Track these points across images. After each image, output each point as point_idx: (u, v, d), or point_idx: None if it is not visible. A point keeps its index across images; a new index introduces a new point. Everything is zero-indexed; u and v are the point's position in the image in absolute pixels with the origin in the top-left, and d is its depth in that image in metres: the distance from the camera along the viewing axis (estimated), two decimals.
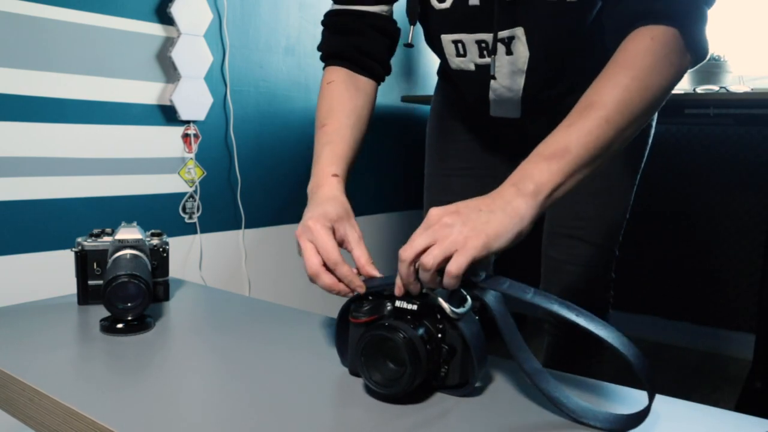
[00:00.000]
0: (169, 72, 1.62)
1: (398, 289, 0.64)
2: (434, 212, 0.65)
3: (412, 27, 0.93)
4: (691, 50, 0.76)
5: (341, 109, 0.93)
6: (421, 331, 0.62)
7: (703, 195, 2.37)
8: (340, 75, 0.95)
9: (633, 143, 1.06)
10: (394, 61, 2.36)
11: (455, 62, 1.00)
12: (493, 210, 0.64)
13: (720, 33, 2.27)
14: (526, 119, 1.06)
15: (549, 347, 1.20)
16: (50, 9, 1.39)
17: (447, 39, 0.97)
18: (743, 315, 2.33)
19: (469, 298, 0.65)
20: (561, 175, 0.67)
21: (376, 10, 0.94)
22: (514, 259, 2.78)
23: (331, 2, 0.98)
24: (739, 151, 2.28)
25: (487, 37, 0.92)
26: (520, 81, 0.97)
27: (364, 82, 0.96)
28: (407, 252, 0.62)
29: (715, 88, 1.88)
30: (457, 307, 0.63)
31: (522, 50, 0.92)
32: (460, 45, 0.96)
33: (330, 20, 0.97)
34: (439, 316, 0.64)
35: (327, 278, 0.71)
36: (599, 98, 0.70)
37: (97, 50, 1.48)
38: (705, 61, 0.82)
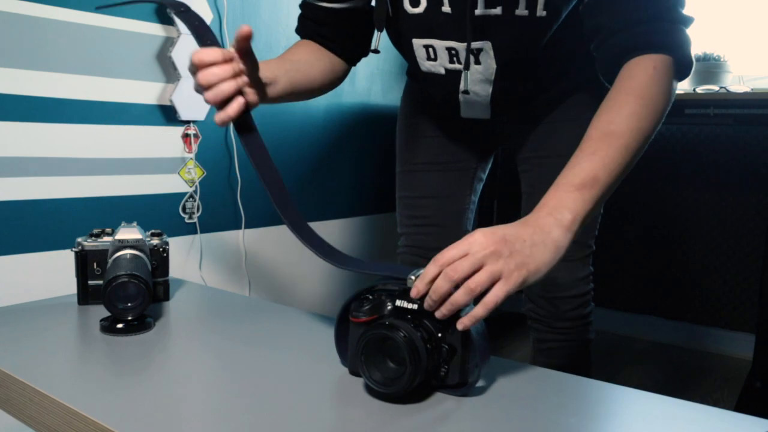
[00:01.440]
0: (169, 72, 1.62)
1: (416, 291, 0.64)
2: (480, 239, 0.64)
3: (379, 33, 0.94)
4: (682, 72, 0.83)
5: (283, 55, 0.97)
6: (421, 330, 0.62)
7: (703, 195, 2.37)
8: (302, 42, 1.00)
9: None
10: (395, 61, 2.37)
11: (425, 65, 1.01)
12: (535, 243, 0.66)
13: (720, 33, 2.27)
14: (495, 119, 1.09)
15: (535, 343, 1.21)
16: (50, 9, 1.39)
17: (418, 43, 0.98)
18: (743, 315, 2.33)
19: None
20: (593, 203, 0.71)
21: (349, 5, 0.96)
22: None
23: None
24: (739, 151, 2.28)
25: (457, 45, 0.94)
26: (488, 88, 1.00)
27: (329, 54, 1.00)
28: (449, 270, 0.62)
29: (715, 88, 1.88)
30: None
31: (490, 63, 0.95)
32: (431, 50, 0.98)
33: (305, 11, 1.01)
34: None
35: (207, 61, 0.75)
36: (617, 127, 0.75)
37: (97, 50, 1.48)
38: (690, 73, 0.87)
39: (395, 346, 0.61)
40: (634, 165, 0.78)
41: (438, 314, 0.63)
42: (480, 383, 0.68)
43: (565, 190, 0.71)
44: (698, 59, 2.04)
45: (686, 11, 0.82)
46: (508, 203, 2.75)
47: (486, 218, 2.57)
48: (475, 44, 0.92)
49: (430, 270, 0.64)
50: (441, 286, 0.62)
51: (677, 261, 2.44)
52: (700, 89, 1.88)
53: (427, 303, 0.63)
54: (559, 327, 1.15)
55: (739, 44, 2.21)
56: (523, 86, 1.01)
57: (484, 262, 0.63)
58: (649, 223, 2.48)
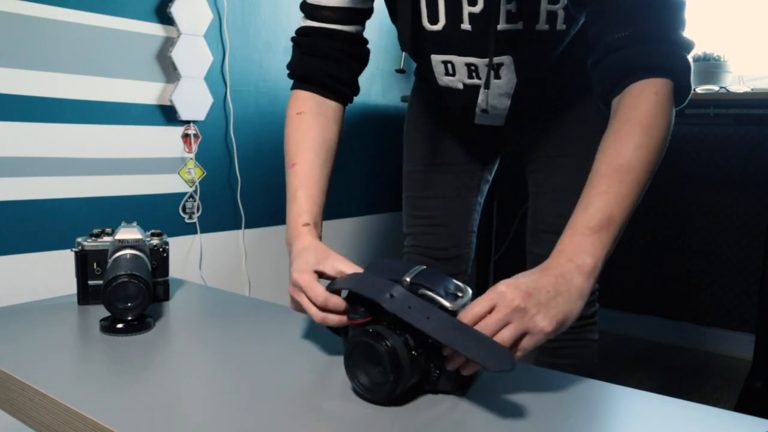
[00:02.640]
0: (169, 72, 1.62)
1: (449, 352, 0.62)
2: (506, 294, 0.63)
3: (404, 54, 0.94)
4: (680, 98, 0.81)
5: (311, 146, 0.93)
6: (408, 337, 0.62)
7: (703, 195, 2.37)
8: (308, 104, 0.97)
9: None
10: (395, 61, 2.36)
11: (443, 80, 1.02)
12: (559, 292, 0.65)
13: (720, 33, 2.27)
14: (509, 125, 1.09)
15: (535, 363, 1.21)
16: (50, 9, 1.39)
17: (437, 59, 0.98)
18: (743, 315, 2.33)
19: (468, 290, 0.66)
20: (610, 244, 0.70)
21: (347, 29, 0.95)
22: (507, 256, 2.78)
23: (302, 18, 0.98)
24: (739, 151, 2.28)
25: (476, 61, 0.94)
26: (506, 101, 1.00)
27: (333, 108, 0.98)
28: (471, 316, 0.62)
29: (715, 88, 1.88)
30: (454, 301, 0.63)
31: (510, 77, 0.95)
32: (449, 65, 0.98)
33: (301, 40, 0.98)
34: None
35: (332, 319, 0.72)
36: (626, 161, 0.73)
37: (97, 50, 1.48)
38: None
39: (378, 355, 0.60)
40: (639, 201, 0.76)
41: (463, 371, 0.62)
42: (479, 383, 0.68)
43: (582, 233, 0.70)
44: (698, 59, 2.04)
45: (687, 35, 0.80)
46: (508, 203, 2.75)
47: (486, 218, 2.57)
48: (496, 59, 0.92)
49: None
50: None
51: (677, 261, 2.44)
52: (700, 89, 1.88)
53: (454, 364, 0.62)
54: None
55: (739, 44, 2.21)
56: (540, 96, 1.01)
57: (512, 319, 0.62)
58: (649, 223, 2.48)
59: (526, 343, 0.63)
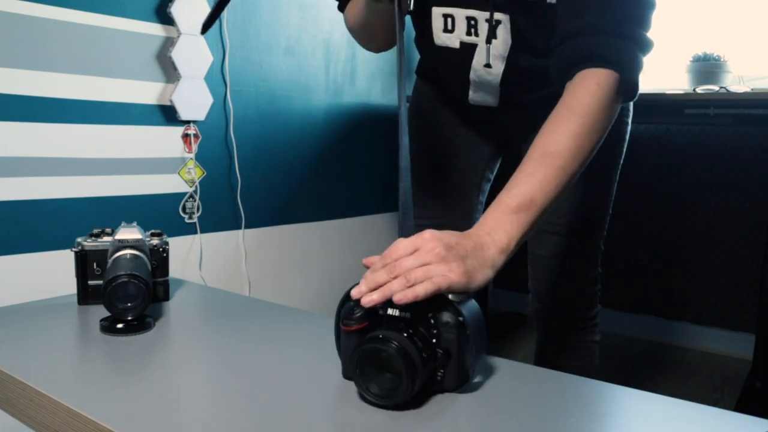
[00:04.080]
0: (169, 72, 1.62)
1: (359, 292, 0.65)
2: (431, 240, 0.67)
3: None
4: (625, 93, 0.83)
5: None
6: (415, 339, 0.61)
7: (703, 195, 2.37)
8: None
9: (610, 142, 1.10)
10: (395, 61, 2.37)
11: (441, 38, 1.01)
12: (475, 257, 0.69)
13: (720, 33, 2.27)
14: (502, 112, 1.08)
15: (540, 344, 1.21)
16: (50, 9, 1.39)
17: (438, 12, 0.98)
18: (743, 315, 2.33)
19: None
20: (528, 225, 0.74)
21: None
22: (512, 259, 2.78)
23: None
24: (739, 151, 2.28)
25: (476, 14, 0.95)
26: (500, 66, 0.99)
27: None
28: (396, 266, 0.65)
29: (715, 88, 1.88)
30: (458, 293, 0.64)
31: (505, 37, 0.95)
32: (449, 20, 0.98)
33: None
34: (432, 321, 0.63)
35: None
36: (555, 148, 0.76)
37: (97, 50, 1.48)
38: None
39: (389, 358, 0.59)
40: (573, 183, 0.78)
41: (366, 300, 0.63)
42: (480, 383, 0.68)
43: (503, 212, 0.74)
44: (698, 59, 2.04)
45: (649, 35, 0.82)
46: None
47: None
48: (495, 15, 0.93)
49: (375, 266, 0.67)
50: (381, 278, 0.65)
51: (677, 261, 2.44)
52: (700, 89, 1.88)
53: (357, 290, 0.64)
54: (566, 328, 1.14)
55: (739, 44, 2.21)
56: (530, 81, 1.00)
57: (429, 262, 0.65)
58: (649, 223, 2.48)
59: (436, 280, 0.64)
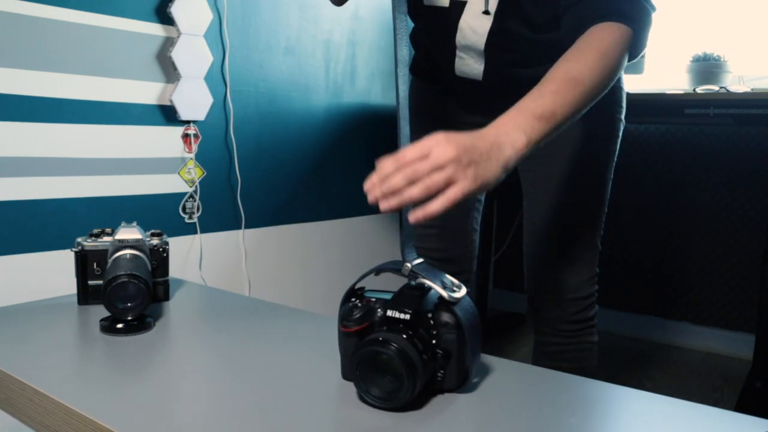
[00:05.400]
0: (169, 72, 1.62)
1: (371, 185, 0.66)
2: (443, 144, 0.67)
3: None
4: (634, 49, 0.88)
5: None
6: (415, 341, 0.61)
7: (703, 195, 2.37)
8: None
9: (604, 138, 1.09)
10: (393, 62, 2.37)
11: None
12: (490, 158, 0.71)
13: (720, 33, 2.27)
14: (490, 99, 1.08)
15: (538, 345, 1.20)
16: (50, 9, 1.39)
17: None
18: (743, 315, 2.33)
19: (463, 287, 0.66)
20: (545, 134, 0.77)
21: None
22: (507, 256, 2.77)
23: None
24: (739, 151, 2.28)
25: None
26: (486, 24, 1.00)
27: None
28: (410, 171, 0.65)
29: (715, 88, 1.88)
30: (452, 293, 0.64)
31: None
32: None
33: None
34: (432, 322, 0.63)
35: None
36: (580, 75, 0.80)
37: (97, 50, 1.48)
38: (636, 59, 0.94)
39: (389, 360, 0.59)
40: (580, 115, 0.83)
41: (384, 205, 0.65)
42: (479, 383, 0.68)
43: (525, 116, 0.76)
44: (698, 59, 2.04)
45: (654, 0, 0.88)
46: (508, 203, 2.76)
47: (486, 218, 2.57)
48: None
49: (387, 167, 0.66)
50: (397, 183, 0.65)
51: (677, 261, 2.44)
52: (700, 89, 1.88)
53: (374, 195, 0.65)
54: (565, 330, 1.14)
55: (739, 44, 2.20)
56: (521, 38, 1.00)
57: (444, 167, 0.66)
58: (649, 223, 2.48)
59: (453, 192, 0.66)
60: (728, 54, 2.02)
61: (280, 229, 1.99)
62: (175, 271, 1.62)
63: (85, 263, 0.95)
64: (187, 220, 1.71)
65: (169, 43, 1.61)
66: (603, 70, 0.82)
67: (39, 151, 1.40)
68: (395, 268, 0.67)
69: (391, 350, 0.59)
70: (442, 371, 0.64)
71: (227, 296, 1.07)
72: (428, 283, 0.64)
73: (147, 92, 1.59)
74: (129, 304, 0.83)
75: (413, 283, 0.66)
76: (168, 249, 0.99)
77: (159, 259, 0.97)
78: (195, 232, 1.74)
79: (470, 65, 1.06)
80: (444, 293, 0.63)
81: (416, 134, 1.19)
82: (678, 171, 2.40)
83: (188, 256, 1.73)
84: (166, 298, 1.01)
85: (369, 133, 2.28)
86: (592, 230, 1.11)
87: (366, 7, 2.20)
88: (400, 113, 0.77)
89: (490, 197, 2.58)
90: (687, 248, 2.42)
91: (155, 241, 0.97)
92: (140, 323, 0.84)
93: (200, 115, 1.69)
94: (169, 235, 1.11)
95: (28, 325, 0.86)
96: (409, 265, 0.66)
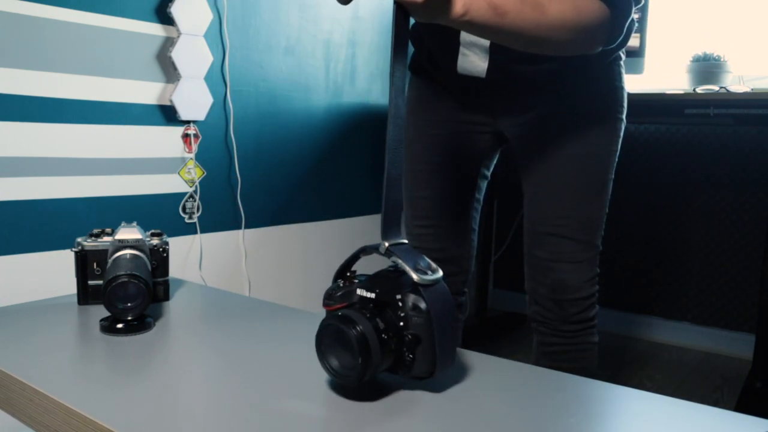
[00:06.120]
0: (169, 72, 1.62)
1: None
2: None
3: None
4: (611, 32, 0.91)
5: None
6: (377, 321, 0.62)
7: (703, 195, 2.37)
8: None
9: (607, 139, 1.09)
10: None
11: None
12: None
13: (720, 33, 2.27)
14: (493, 96, 1.09)
15: (539, 346, 1.20)
16: (50, 9, 1.39)
17: None
18: (743, 315, 2.33)
19: (440, 270, 0.65)
20: (483, 24, 0.79)
21: None
22: (507, 256, 2.78)
23: None
24: (739, 151, 2.28)
25: None
26: None
27: None
28: None
29: (715, 88, 1.88)
30: (422, 275, 0.63)
31: None
32: None
33: None
34: (401, 304, 0.63)
35: None
36: (549, 8, 0.82)
37: (97, 50, 1.48)
38: (623, 47, 1.00)
39: (347, 337, 0.60)
40: (522, 44, 0.86)
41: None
42: (480, 384, 0.68)
43: None
44: (698, 59, 2.04)
45: None
46: (508, 203, 2.76)
47: (486, 218, 2.57)
48: None
49: None
50: None
51: (677, 261, 2.44)
52: (700, 89, 1.88)
53: None
54: (565, 330, 1.14)
55: (739, 44, 2.21)
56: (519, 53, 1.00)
57: None
58: (649, 223, 2.48)
59: None
60: (728, 54, 2.02)
61: (280, 229, 1.99)
62: (175, 271, 1.63)
63: (85, 263, 0.95)
64: (187, 220, 1.71)
65: (169, 43, 1.61)
66: (570, 21, 0.83)
67: (39, 151, 1.40)
68: (375, 246, 0.66)
69: (349, 329, 0.60)
70: (410, 355, 0.64)
71: (227, 296, 1.07)
72: (400, 262, 0.64)
73: (147, 92, 1.59)
74: (129, 304, 0.83)
75: (391, 265, 0.66)
76: (168, 249, 0.99)
77: (159, 259, 0.97)
78: (195, 232, 1.74)
79: (474, 62, 1.06)
80: (414, 275, 0.62)
81: (416, 132, 1.20)
82: (678, 171, 2.40)
83: (188, 256, 1.73)
84: (166, 298, 1.01)
85: (369, 133, 2.28)
86: (593, 231, 1.11)
87: (366, 7, 2.20)
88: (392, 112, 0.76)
89: (490, 197, 2.58)
90: (687, 248, 2.42)
91: (155, 241, 0.97)
92: (140, 323, 0.84)
93: (200, 115, 1.70)
94: (169, 235, 1.11)
95: (28, 325, 0.86)
96: (386, 244, 0.65)
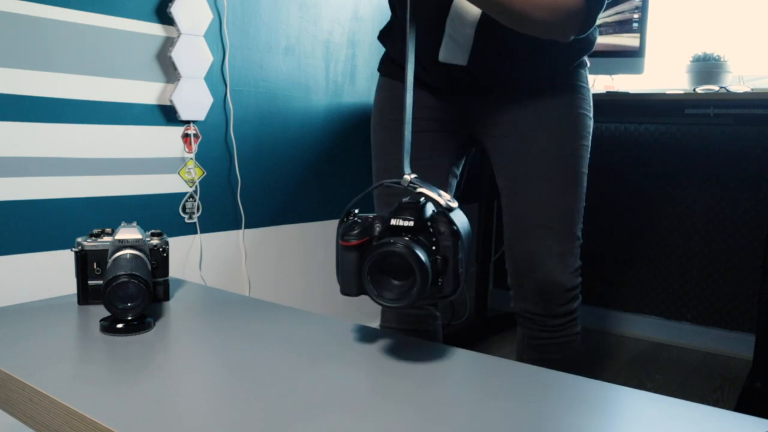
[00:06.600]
0: (169, 72, 1.62)
1: None
2: None
3: None
4: (585, 20, 0.96)
5: None
6: (419, 245, 0.66)
7: (703, 195, 2.37)
8: None
9: (574, 137, 1.13)
10: None
11: None
12: None
13: (720, 33, 2.27)
14: (471, 98, 1.12)
15: (524, 338, 1.21)
16: (50, 9, 1.39)
17: None
18: (743, 315, 2.33)
19: (455, 201, 0.71)
20: None
21: None
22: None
23: None
24: (739, 151, 2.28)
25: None
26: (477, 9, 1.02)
27: None
28: None
29: (715, 88, 1.88)
30: (449, 202, 0.69)
31: None
32: None
33: None
34: (431, 230, 0.68)
35: None
36: None
37: (97, 50, 1.48)
38: (588, 50, 1.07)
39: (402, 261, 0.64)
40: (507, 17, 0.92)
41: None
42: (479, 384, 0.68)
43: None
44: (698, 59, 2.04)
45: None
46: None
47: (486, 218, 2.57)
48: None
49: None
50: None
51: (677, 261, 2.44)
52: (700, 89, 1.88)
53: None
54: (551, 324, 1.15)
55: (739, 44, 2.21)
56: (504, 38, 1.02)
57: None
58: (649, 223, 2.48)
59: None
60: (728, 54, 2.02)
61: (280, 229, 1.99)
62: (175, 271, 1.62)
63: (85, 263, 0.95)
64: (187, 220, 1.71)
65: (169, 43, 1.61)
66: (552, 3, 0.91)
67: (39, 151, 1.40)
68: (396, 182, 0.73)
69: (402, 249, 0.64)
70: (440, 278, 0.67)
71: (227, 296, 1.07)
72: (427, 192, 0.70)
73: (147, 92, 1.59)
74: (129, 304, 0.83)
75: (408, 199, 0.71)
76: (168, 249, 0.99)
77: (159, 259, 0.97)
78: (195, 232, 1.74)
79: (455, 52, 1.07)
80: (442, 201, 0.69)
81: (386, 132, 1.20)
82: (678, 171, 2.40)
83: (188, 256, 1.73)
84: (166, 298, 1.01)
85: (368, 133, 2.28)
86: (574, 222, 1.13)
87: (366, 7, 2.20)
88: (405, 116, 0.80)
89: (490, 197, 2.58)
90: (687, 248, 2.42)
91: (155, 241, 0.97)
92: (140, 323, 0.84)
93: (200, 115, 1.70)
94: (169, 235, 1.11)
95: (28, 325, 0.87)
96: (408, 177, 0.71)
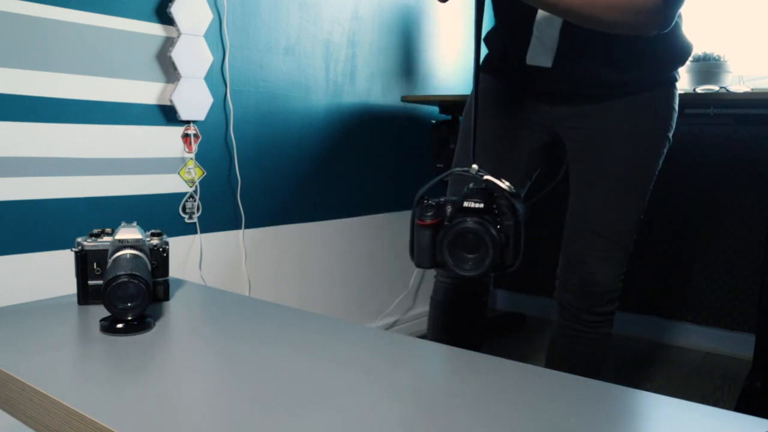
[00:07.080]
0: (169, 72, 1.62)
1: None
2: None
3: None
4: (661, 19, 0.96)
5: None
6: (489, 223, 0.78)
7: (702, 195, 2.37)
8: None
9: (652, 156, 1.19)
10: (395, 61, 2.36)
11: None
12: None
13: (720, 33, 2.27)
14: (555, 102, 1.16)
15: (559, 327, 1.25)
16: (50, 9, 1.39)
17: None
18: (743, 315, 2.33)
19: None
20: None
21: None
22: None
23: None
24: (739, 151, 2.28)
25: None
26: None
27: None
28: None
29: (715, 88, 1.88)
30: (512, 187, 0.81)
31: None
32: None
33: None
34: (497, 211, 0.80)
35: None
36: None
37: (97, 50, 1.48)
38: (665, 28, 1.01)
39: (476, 237, 0.76)
40: (577, 19, 0.94)
41: None
42: (480, 384, 0.68)
43: None
44: (698, 59, 2.04)
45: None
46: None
47: None
48: None
49: None
50: None
51: (677, 261, 2.44)
52: (700, 89, 1.88)
53: None
54: (587, 320, 1.21)
55: (739, 44, 2.20)
56: (595, 36, 1.04)
57: None
58: (649, 223, 2.48)
59: None
60: (728, 54, 2.02)
61: (280, 229, 1.99)
62: (175, 271, 1.62)
63: (85, 263, 0.95)
64: (187, 220, 1.71)
65: (169, 43, 1.61)
66: (625, 3, 0.92)
67: (39, 151, 1.40)
68: (465, 170, 0.84)
69: (477, 227, 0.77)
70: (504, 251, 0.78)
71: (227, 296, 1.07)
72: (494, 180, 0.81)
73: (147, 92, 1.59)
74: (129, 304, 0.83)
75: (473, 185, 0.82)
76: (168, 249, 0.99)
77: (159, 259, 0.97)
78: (195, 232, 1.74)
79: (541, 54, 1.12)
80: (504, 187, 0.81)
81: (489, 121, 1.22)
82: (678, 171, 2.40)
83: (188, 256, 1.73)
84: (166, 298, 1.01)
85: (369, 133, 2.28)
86: (628, 234, 1.22)
87: (366, 8, 2.20)
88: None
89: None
90: (687, 248, 2.42)
91: (155, 241, 0.97)
92: (140, 323, 0.84)
93: (200, 115, 1.69)
94: (169, 235, 1.11)
95: (28, 325, 0.87)
96: (476, 166, 0.83)
